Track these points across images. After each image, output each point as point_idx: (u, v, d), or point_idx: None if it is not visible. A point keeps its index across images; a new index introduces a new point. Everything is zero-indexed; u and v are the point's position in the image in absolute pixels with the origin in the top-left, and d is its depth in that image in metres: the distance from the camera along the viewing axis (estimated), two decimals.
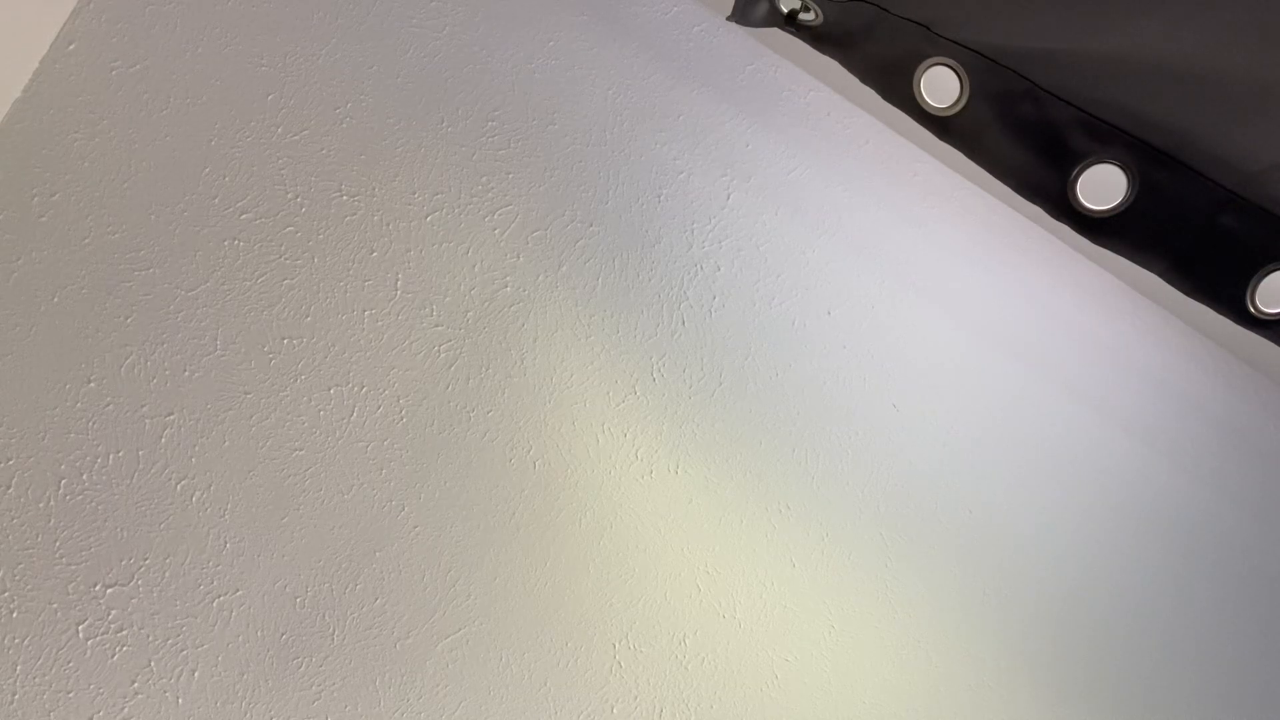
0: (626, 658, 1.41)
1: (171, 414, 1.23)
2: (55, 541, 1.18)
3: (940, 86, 0.91)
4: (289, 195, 1.30)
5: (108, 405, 1.21)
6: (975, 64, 0.89)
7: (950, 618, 1.59)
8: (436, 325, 1.36)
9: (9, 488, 1.17)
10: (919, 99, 0.92)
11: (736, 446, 1.50)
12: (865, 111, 1.62)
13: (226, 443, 1.25)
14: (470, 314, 1.37)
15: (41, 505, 1.18)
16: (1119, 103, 0.84)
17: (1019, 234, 1.69)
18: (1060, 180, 0.89)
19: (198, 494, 1.23)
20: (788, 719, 1.48)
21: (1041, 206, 0.92)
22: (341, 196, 1.33)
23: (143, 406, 1.22)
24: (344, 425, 1.30)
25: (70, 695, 1.17)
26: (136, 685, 1.20)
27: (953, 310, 1.65)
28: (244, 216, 1.28)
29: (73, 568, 1.18)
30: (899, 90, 0.94)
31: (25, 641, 1.16)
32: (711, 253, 1.52)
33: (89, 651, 1.18)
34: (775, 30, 1.02)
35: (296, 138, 1.31)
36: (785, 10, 1.00)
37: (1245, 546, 1.78)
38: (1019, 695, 1.61)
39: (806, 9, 0.98)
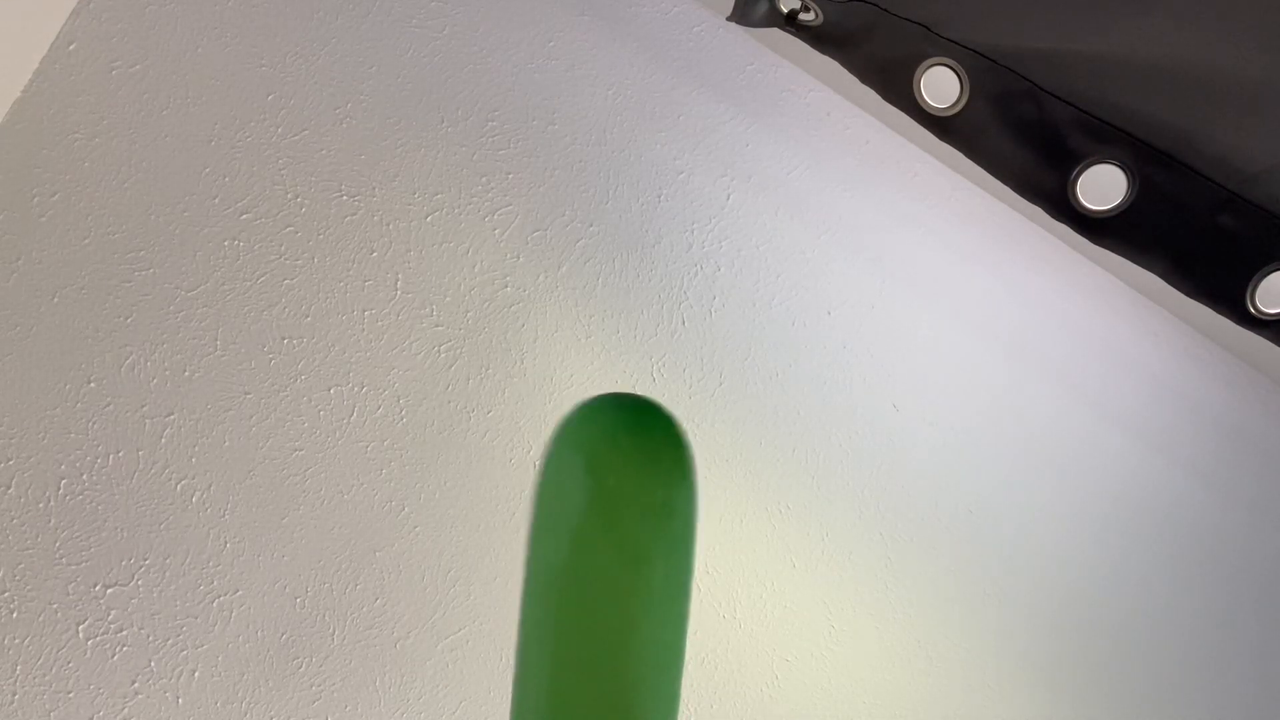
0: None
1: (171, 414, 1.23)
2: (55, 541, 1.18)
3: (940, 86, 0.91)
4: (289, 195, 1.30)
5: (108, 405, 1.21)
6: (975, 64, 0.89)
7: (950, 618, 1.59)
8: (436, 325, 1.36)
9: (9, 488, 1.17)
10: (919, 99, 0.92)
11: (736, 446, 1.50)
12: (865, 111, 1.62)
13: (226, 443, 1.25)
14: (470, 314, 1.37)
15: (41, 505, 1.18)
16: (1119, 103, 0.84)
17: (1019, 234, 1.69)
18: (1060, 180, 0.89)
19: (198, 494, 1.23)
20: (788, 719, 1.48)
21: (1041, 206, 0.92)
22: (341, 196, 1.33)
23: (143, 406, 1.22)
24: (344, 425, 1.30)
25: (70, 695, 1.17)
26: (136, 685, 1.20)
27: (953, 310, 1.65)
28: (244, 216, 1.28)
29: (73, 568, 1.18)
30: (899, 90, 0.94)
31: (25, 641, 1.16)
32: (711, 253, 1.52)
33: (89, 651, 1.18)
34: (775, 30, 1.02)
35: (296, 138, 1.31)
36: (785, 10, 1.00)
37: (1244, 545, 1.78)
38: (1018, 695, 1.61)
39: (806, 9, 0.98)
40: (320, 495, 1.29)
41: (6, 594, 1.16)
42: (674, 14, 1.54)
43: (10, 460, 1.17)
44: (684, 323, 1.49)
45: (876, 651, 1.54)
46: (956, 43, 0.89)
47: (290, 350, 1.29)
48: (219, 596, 1.24)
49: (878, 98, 0.97)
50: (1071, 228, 0.91)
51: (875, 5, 0.92)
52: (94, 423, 1.20)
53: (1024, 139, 0.89)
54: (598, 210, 1.46)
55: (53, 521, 1.18)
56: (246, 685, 1.24)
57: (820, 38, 0.99)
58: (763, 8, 1.00)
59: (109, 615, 1.19)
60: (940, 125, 0.93)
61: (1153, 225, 0.88)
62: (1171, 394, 1.76)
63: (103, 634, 1.19)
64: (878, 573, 1.55)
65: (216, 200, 1.27)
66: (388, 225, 1.35)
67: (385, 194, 1.35)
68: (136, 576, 1.21)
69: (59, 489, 1.18)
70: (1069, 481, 1.68)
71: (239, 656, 1.24)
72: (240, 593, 1.25)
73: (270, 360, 1.28)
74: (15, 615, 1.16)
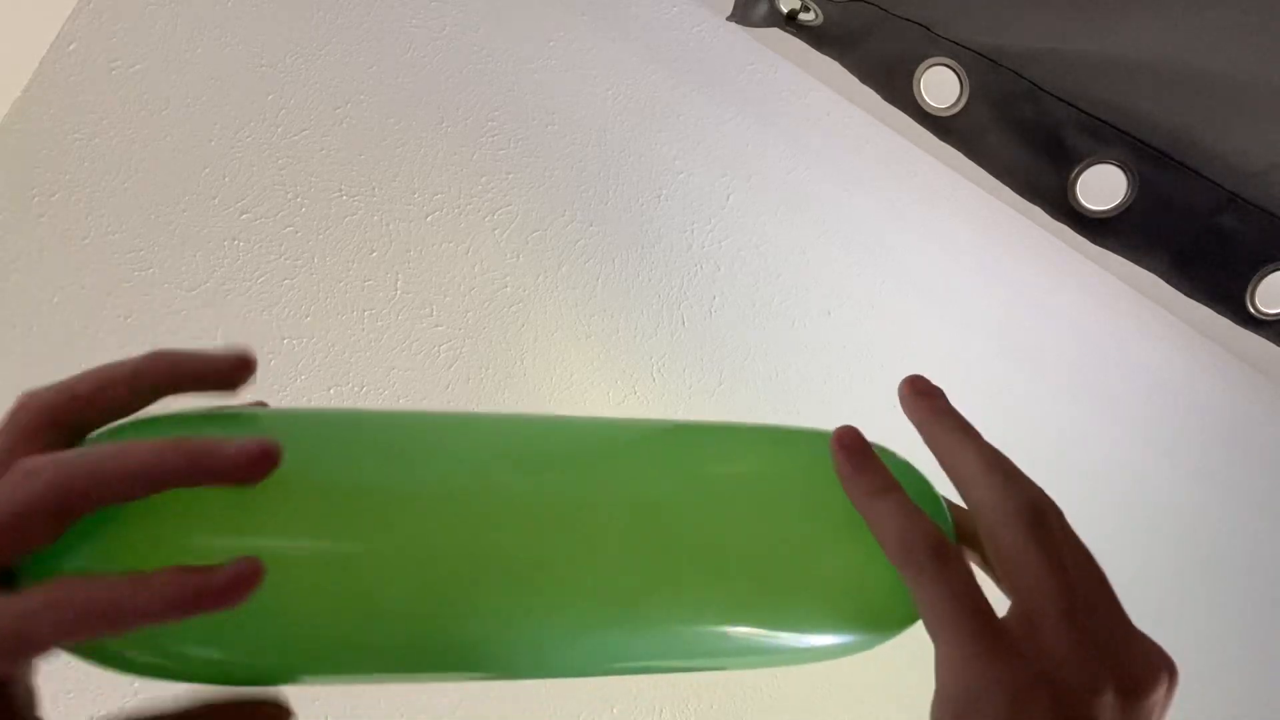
0: None
1: None
2: None
3: (940, 87, 0.91)
4: (289, 195, 1.30)
5: None
6: (975, 64, 0.89)
7: None
8: (436, 325, 1.36)
9: None
10: (919, 99, 0.92)
11: None
12: (865, 111, 1.62)
13: None
14: (470, 314, 1.37)
15: None
16: (1119, 103, 0.84)
17: (1019, 234, 1.69)
18: (1060, 180, 0.89)
19: None
20: (788, 719, 1.48)
21: (1041, 206, 0.92)
22: (341, 196, 1.33)
23: None
24: None
25: (70, 695, 1.17)
26: (136, 685, 1.20)
27: (953, 310, 1.65)
28: (244, 216, 1.28)
29: None
30: (899, 90, 0.94)
31: None
32: (711, 253, 1.52)
33: None
34: (775, 30, 1.02)
35: (296, 138, 1.31)
36: (785, 10, 1.00)
37: (1245, 546, 1.78)
38: None
39: (806, 9, 0.98)
40: None
41: None
42: (674, 14, 1.54)
43: None
44: (684, 323, 1.49)
45: (879, 651, 1.54)
46: (956, 43, 0.89)
47: (290, 350, 1.29)
48: None
49: (878, 98, 0.97)
50: (1071, 228, 0.91)
51: (875, 5, 0.92)
52: None
53: (1024, 139, 0.89)
54: (598, 210, 1.46)
55: None
56: None
57: (820, 38, 0.99)
58: (763, 8, 1.00)
59: None
60: (940, 125, 0.93)
61: (1153, 225, 0.88)
62: (1171, 394, 1.76)
63: None
64: None
65: (216, 200, 1.27)
66: (388, 225, 1.35)
67: (385, 194, 1.35)
68: None
69: None
70: (1067, 480, 1.68)
71: None
72: None
73: (270, 360, 1.28)
74: None
